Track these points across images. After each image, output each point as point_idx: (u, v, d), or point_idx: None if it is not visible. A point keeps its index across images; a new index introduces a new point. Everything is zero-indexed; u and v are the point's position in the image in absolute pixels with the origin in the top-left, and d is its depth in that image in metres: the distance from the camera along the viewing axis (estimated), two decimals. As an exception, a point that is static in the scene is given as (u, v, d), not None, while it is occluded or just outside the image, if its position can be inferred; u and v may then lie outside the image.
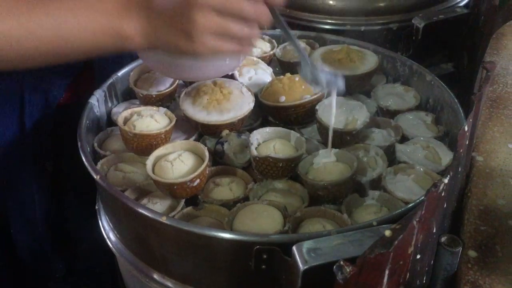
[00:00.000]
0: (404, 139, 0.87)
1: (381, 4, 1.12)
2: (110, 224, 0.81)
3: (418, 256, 0.60)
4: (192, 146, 0.76)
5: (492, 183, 0.79)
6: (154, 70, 0.91)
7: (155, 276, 0.73)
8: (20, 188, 1.01)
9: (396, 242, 0.50)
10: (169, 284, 0.72)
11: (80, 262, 1.16)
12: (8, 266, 1.12)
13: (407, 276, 0.59)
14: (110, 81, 0.93)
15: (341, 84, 0.76)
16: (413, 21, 1.07)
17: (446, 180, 0.54)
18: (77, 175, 1.00)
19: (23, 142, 0.96)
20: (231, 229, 0.69)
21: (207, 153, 0.74)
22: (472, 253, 0.69)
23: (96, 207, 0.86)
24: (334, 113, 0.78)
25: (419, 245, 0.59)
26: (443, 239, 0.66)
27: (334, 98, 0.77)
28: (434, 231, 0.61)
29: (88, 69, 0.98)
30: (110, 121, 0.92)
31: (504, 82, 1.00)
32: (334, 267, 0.49)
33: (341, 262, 0.48)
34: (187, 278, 0.71)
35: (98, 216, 0.85)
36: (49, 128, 0.98)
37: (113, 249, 0.79)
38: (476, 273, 0.66)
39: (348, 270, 0.49)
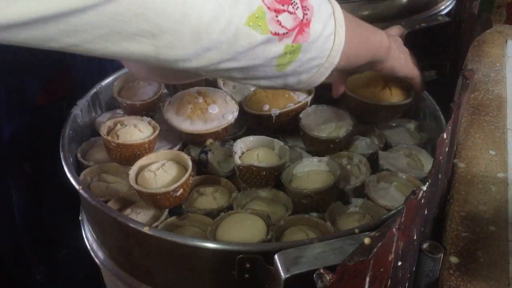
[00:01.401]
0: (387, 146, 0.88)
1: (364, 13, 1.13)
2: (93, 234, 0.80)
3: (399, 263, 0.60)
4: (175, 156, 0.76)
5: (473, 189, 0.80)
6: (136, 75, 0.91)
7: (139, 286, 0.73)
8: None
9: (375, 250, 0.50)
10: (152, 294, 0.72)
11: (62, 267, 1.15)
12: None
13: (389, 283, 0.60)
14: (93, 90, 0.93)
15: None
16: (395, 29, 1.08)
17: (424, 188, 0.55)
18: (57, 177, 1.00)
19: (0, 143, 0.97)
20: (214, 239, 0.69)
21: (190, 163, 0.74)
22: (454, 259, 0.69)
23: (80, 218, 0.86)
24: None
25: (400, 252, 0.59)
26: (424, 245, 0.66)
27: None
28: (415, 238, 0.62)
29: (64, 72, 0.98)
30: (94, 131, 0.92)
31: (485, 89, 1.02)
32: (314, 275, 0.49)
33: (321, 270, 0.48)
34: (170, 288, 0.71)
35: (82, 227, 0.84)
36: (26, 128, 0.98)
37: (97, 260, 0.79)
38: (458, 279, 0.67)
39: (328, 278, 0.49)
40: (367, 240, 0.51)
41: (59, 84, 1.00)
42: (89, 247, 0.81)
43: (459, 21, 1.06)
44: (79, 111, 0.88)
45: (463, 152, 0.87)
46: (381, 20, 1.13)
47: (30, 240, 1.08)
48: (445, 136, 0.62)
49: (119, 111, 0.95)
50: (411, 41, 1.09)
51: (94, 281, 1.15)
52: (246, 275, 0.64)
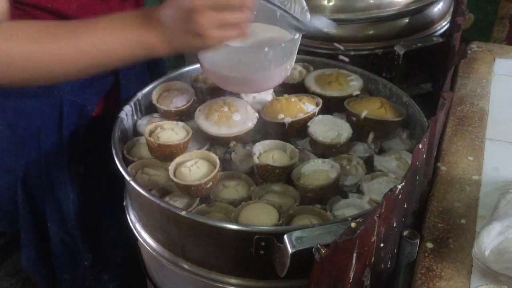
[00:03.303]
0: (382, 151, 1.04)
1: (368, 33, 1.28)
2: (137, 217, 0.98)
3: (382, 245, 0.77)
4: (206, 155, 0.93)
5: (451, 188, 0.95)
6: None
7: (174, 260, 0.91)
8: (56, 187, 1.15)
9: (359, 231, 0.66)
10: (186, 266, 0.89)
11: (105, 252, 1.28)
12: (44, 255, 1.25)
13: (372, 260, 0.76)
14: (136, 97, 1.10)
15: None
16: (395, 48, 1.23)
17: (399, 186, 0.71)
18: (104, 177, 1.17)
19: (60, 148, 1.10)
20: (236, 222, 0.86)
21: (218, 161, 0.91)
22: (429, 245, 0.85)
23: (124, 204, 1.03)
24: None
25: (381, 236, 0.75)
26: (405, 233, 0.82)
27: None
28: (395, 225, 0.78)
29: (115, 88, 1.14)
30: (136, 132, 1.10)
31: (471, 102, 1.16)
32: (313, 249, 0.66)
33: (318, 246, 0.65)
34: (200, 262, 0.88)
35: (126, 211, 1.02)
36: (83, 137, 1.12)
37: (139, 238, 0.97)
38: (431, 261, 0.82)
39: (323, 252, 0.66)
40: (353, 224, 0.68)
41: (111, 99, 1.14)
42: (132, 227, 0.99)
43: (450, 42, 1.22)
44: (125, 115, 1.05)
45: (446, 157, 1.02)
46: (383, 40, 1.29)
47: (79, 230, 1.20)
48: (420, 146, 0.78)
49: (156, 115, 1.12)
50: (408, 58, 1.25)
51: (131, 262, 1.31)
52: (261, 252, 0.81)
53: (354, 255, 0.71)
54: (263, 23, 1.01)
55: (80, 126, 1.11)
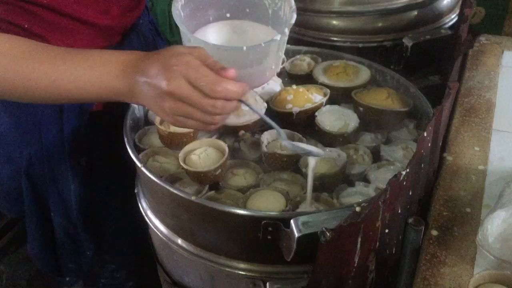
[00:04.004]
0: (388, 141, 1.06)
1: (377, 25, 1.29)
2: (148, 204, 1.00)
3: (387, 231, 0.78)
4: (215, 143, 0.95)
5: (457, 178, 0.97)
6: None
7: (184, 244, 0.93)
8: (59, 179, 1.16)
9: (363, 216, 0.68)
10: (195, 251, 0.92)
11: (110, 242, 1.30)
12: (49, 244, 1.27)
13: (377, 245, 0.78)
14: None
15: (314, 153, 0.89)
16: (403, 40, 1.24)
17: (404, 172, 0.72)
18: (107, 169, 1.19)
19: (61, 141, 1.12)
20: (245, 208, 0.88)
21: (227, 149, 0.93)
22: (434, 232, 0.86)
23: (135, 191, 1.05)
24: (311, 175, 0.89)
25: (386, 222, 0.77)
26: (410, 220, 0.84)
27: (310, 165, 0.89)
28: (400, 211, 0.80)
29: None
30: (147, 121, 1.12)
31: (478, 94, 1.17)
32: (319, 232, 0.67)
33: (324, 229, 0.67)
34: (209, 246, 0.90)
35: (137, 198, 1.04)
36: (84, 131, 1.13)
37: (150, 224, 0.99)
38: (436, 248, 0.84)
39: (328, 235, 0.67)
40: (358, 209, 0.70)
41: None
42: (143, 214, 1.01)
43: (458, 34, 1.23)
44: (136, 105, 1.07)
45: (452, 148, 1.03)
46: (391, 32, 1.30)
47: (82, 220, 1.22)
48: (425, 134, 0.79)
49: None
50: (416, 50, 1.26)
51: (138, 251, 1.34)
52: (269, 237, 0.83)
53: (359, 239, 0.73)
54: (256, 22, 0.99)
55: (81, 120, 1.13)
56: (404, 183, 0.76)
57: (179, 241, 0.93)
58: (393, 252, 0.85)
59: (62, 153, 1.14)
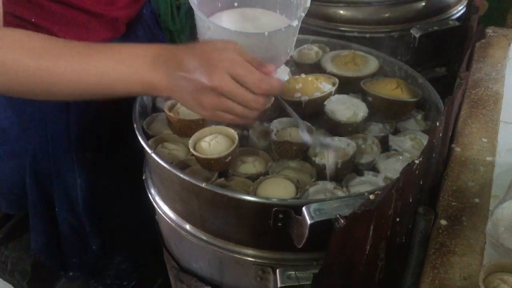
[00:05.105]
0: (396, 131, 1.06)
1: (385, 15, 1.29)
2: (156, 190, 1.00)
3: (398, 219, 0.79)
4: (225, 131, 0.95)
5: (465, 169, 0.97)
6: None
7: (193, 230, 0.93)
8: (64, 173, 1.17)
9: (377, 203, 0.69)
10: (205, 237, 0.92)
11: (116, 235, 1.31)
12: (53, 238, 1.27)
13: (388, 233, 0.78)
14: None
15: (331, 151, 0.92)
16: (411, 31, 1.24)
17: (417, 161, 0.73)
18: (112, 162, 1.19)
19: (67, 134, 1.12)
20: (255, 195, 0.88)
21: (237, 136, 0.93)
22: (443, 222, 0.87)
23: (144, 177, 1.05)
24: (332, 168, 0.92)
25: (398, 210, 0.77)
26: (420, 209, 0.84)
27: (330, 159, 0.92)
28: (411, 201, 0.80)
29: None
30: (155, 108, 1.12)
31: (485, 86, 1.18)
32: (333, 219, 0.68)
33: (338, 216, 0.67)
34: (219, 232, 0.90)
35: (146, 185, 1.04)
36: (89, 123, 1.13)
37: (158, 210, 0.99)
38: (445, 237, 0.85)
39: (342, 221, 0.68)
40: (371, 196, 0.70)
41: None
42: (152, 200, 1.01)
43: (467, 26, 1.23)
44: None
45: (460, 139, 1.04)
46: (399, 22, 1.30)
47: (88, 215, 1.23)
48: (438, 124, 0.80)
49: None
50: (424, 41, 1.26)
51: (143, 242, 1.34)
52: (279, 224, 0.83)
53: (372, 227, 0.73)
54: (263, 9, 1.01)
55: (87, 113, 1.12)
56: (417, 172, 0.76)
57: (188, 227, 0.94)
58: (403, 240, 0.85)
59: (68, 147, 1.14)
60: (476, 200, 0.91)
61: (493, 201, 0.90)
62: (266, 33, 0.87)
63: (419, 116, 1.09)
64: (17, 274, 1.69)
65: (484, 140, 1.03)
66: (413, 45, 1.25)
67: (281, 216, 0.82)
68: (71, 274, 1.33)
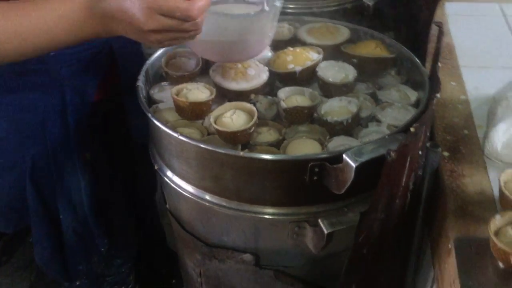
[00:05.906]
0: (380, 87, 1.17)
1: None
2: (179, 173, 1.01)
3: (420, 152, 0.90)
4: (241, 105, 1.01)
5: (447, 109, 1.10)
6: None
7: (226, 203, 0.97)
8: (66, 177, 1.15)
9: (416, 134, 0.78)
10: (239, 207, 0.96)
11: (119, 235, 1.30)
12: (57, 249, 1.24)
13: (417, 166, 0.89)
14: (145, 68, 1.13)
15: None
16: (364, 0, 1.37)
17: (434, 101, 0.84)
18: (111, 161, 1.19)
19: (67, 137, 1.11)
20: (287, 156, 0.94)
21: (254, 109, 0.99)
22: (445, 153, 0.99)
23: (156, 167, 1.07)
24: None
25: (422, 144, 0.88)
26: (428, 144, 0.96)
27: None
28: (428, 134, 0.91)
29: (113, 69, 1.15)
30: (151, 101, 1.13)
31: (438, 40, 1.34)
32: (385, 153, 0.76)
33: (389, 150, 0.76)
34: (254, 199, 0.95)
35: (160, 174, 1.05)
36: (87, 123, 1.13)
37: (184, 193, 1.01)
38: (451, 165, 0.97)
39: (393, 154, 0.77)
40: (412, 129, 0.80)
41: (109, 81, 1.15)
42: (174, 186, 1.02)
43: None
44: (142, 83, 1.08)
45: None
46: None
47: (94, 217, 1.21)
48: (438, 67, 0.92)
49: (164, 83, 1.16)
50: (377, 9, 1.40)
51: (147, 248, 1.34)
52: (315, 178, 0.90)
53: (409, 158, 0.83)
54: (233, 4, 1.07)
55: (84, 112, 1.12)
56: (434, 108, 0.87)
57: (222, 201, 0.97)
58: (420, 173, 0.96)
59: (68, 149, 1.13)
60: (465, 131, 1.04)
61: (479, 130, 1.04)
62: (252, 13, 0.95)
63: (393, 72, 1.21)
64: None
65: (453, 83, 1.18)
66: (367, 13, 1.37)
67: (317, 169, 0.89)
68: (77, 283, 1.29)
